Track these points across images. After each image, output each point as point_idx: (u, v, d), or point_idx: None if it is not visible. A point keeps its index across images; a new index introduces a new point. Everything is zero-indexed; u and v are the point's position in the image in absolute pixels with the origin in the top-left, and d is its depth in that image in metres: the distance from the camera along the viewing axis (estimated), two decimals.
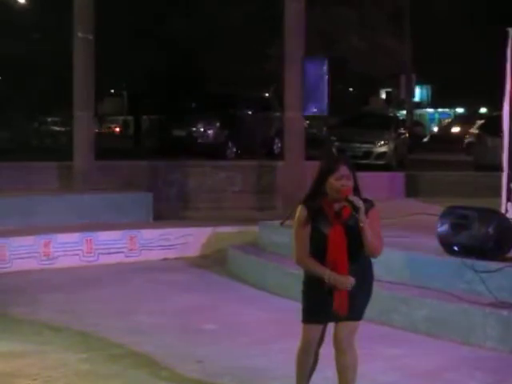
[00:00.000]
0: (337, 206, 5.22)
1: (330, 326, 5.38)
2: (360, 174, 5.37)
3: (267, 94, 29.17)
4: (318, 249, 5.23)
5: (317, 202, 5.24)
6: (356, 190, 5.22)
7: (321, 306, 5.27)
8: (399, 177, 17.16)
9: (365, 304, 5.35)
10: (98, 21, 14.27)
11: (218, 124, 21.31)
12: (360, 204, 5.11)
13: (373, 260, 5.38)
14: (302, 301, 5.41)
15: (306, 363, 5.43)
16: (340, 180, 5.15)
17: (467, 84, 44.74)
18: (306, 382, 5.49)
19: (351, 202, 5.13)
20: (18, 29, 26.52)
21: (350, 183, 5.18)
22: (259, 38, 29.26)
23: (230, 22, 29.43)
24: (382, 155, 21.85)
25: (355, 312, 5.29)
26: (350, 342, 5.29)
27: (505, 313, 7.35)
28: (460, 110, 66.91)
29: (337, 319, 5.28)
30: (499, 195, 10.97)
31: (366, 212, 5.15)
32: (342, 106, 33.78)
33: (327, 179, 5.19)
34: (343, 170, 5.18)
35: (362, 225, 5.12)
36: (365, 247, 5.19)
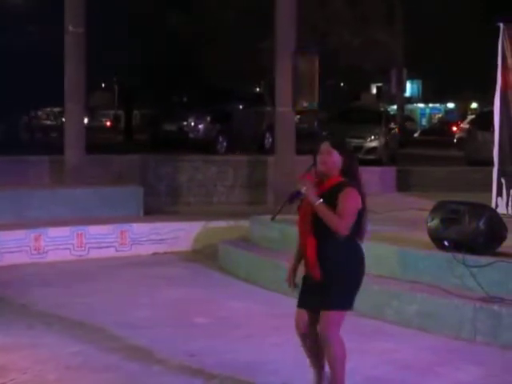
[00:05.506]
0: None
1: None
2: None
3: (258, 89, 29.18)
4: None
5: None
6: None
7: (301, 292, 5.51)
8: (390, 171, 17.16)
9: (339, 294, 5.35)
10: (90, 13, 14.21)
11: (208, 118, 21.29)
12: (303, 190, 5.28)
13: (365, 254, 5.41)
14: None
15: (304, 346, 5.58)
16: (320, 156, 5.37)
17: (458, 79, 44.82)
18: (315, 364, 5.60)
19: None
20: (8, 21, 26.38)
21: (330, 158, 5.33)
22: (252, 32, 29.24)
23: (223, 16, 29.41)
24: (372, 150, 21.85)
25: (326, 301, 5.34)
26: (330, 333, 5.34)
27: (495, 307, 7.38)
28: (451, 105, 67.06)
29: (311, 306, 5.42)
30: (490, 190, 11.03)
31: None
32: (333, 101, 33.83)
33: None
34: (323, 145, 5.39)
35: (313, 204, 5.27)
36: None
